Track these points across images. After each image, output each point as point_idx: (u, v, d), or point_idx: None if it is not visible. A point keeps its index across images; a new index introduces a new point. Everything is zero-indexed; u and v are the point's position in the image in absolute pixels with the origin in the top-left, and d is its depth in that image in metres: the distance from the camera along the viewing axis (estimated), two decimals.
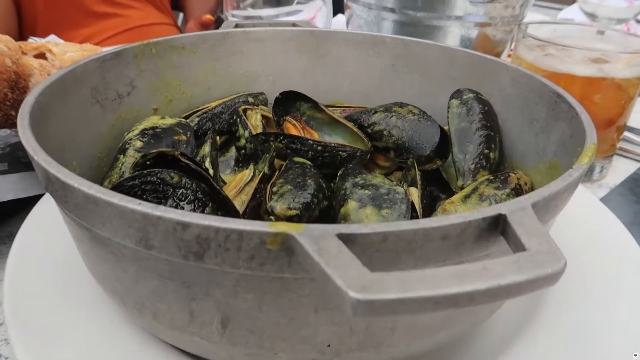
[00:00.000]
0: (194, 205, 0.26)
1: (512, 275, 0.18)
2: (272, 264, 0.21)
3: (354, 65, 0.53)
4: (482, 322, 0.31)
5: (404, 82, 0.51)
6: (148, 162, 0.29)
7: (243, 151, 0.44)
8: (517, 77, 0.42)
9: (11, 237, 0.40)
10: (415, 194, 0.38)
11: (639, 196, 0.57)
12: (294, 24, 0.54)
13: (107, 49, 0.42)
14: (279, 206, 0.30)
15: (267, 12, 0.68)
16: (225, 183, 0.43)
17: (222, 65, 0.51)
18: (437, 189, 0.43)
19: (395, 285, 0.17)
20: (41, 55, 0.54)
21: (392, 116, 0.42)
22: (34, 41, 0.61)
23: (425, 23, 0.58)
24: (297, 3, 0.76)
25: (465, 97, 0.43)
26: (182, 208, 0.26)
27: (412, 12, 0.58)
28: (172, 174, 0.26)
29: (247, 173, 0.38)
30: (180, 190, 0.26)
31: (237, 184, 0.38)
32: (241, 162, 0.46)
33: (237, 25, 0.53)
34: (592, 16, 0.97)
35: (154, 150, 0.29)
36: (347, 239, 0.20)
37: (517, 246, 0.20)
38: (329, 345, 0.25)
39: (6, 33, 1.09)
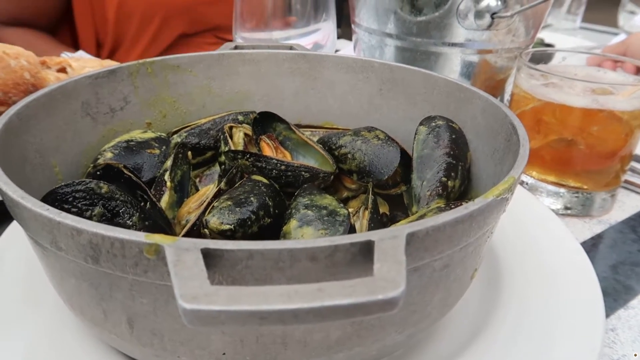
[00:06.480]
0: (121, 215, 0.29)
1: (341, 297, 0.19)
2: (153, 271, 0.23)
3: (344, 88, 0.54)
4: (397, 345, 0.32)
5: (390, 106, 0.52)
6: (98, 172, 0.32)
7: (223, 166, 0.46)
8: (486, 106, 0.42)
9: None
10: (366, 217, 0.39)
11: None
12: (290, 47, 0.57)
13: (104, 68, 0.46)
14: (212, 220, 0.32)
15: (279, 34, 0.71)
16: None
17: (218, 84, 0.54)
18: (402, 214, 0.43)
19: (223, 298, 0.19)
20: (63, 70, 0.60)
21: (358, 140, 0.43)
22: (65, 56, 0.67)
23: (424, 49, 0.59)
24: (317, 22, 0.78)
25: (434, 124, 0.43)
26: (110, 217, 0.29)
27: (411, 39, 0.59)
28: (102, 185, 0.28)
29: (211, 187, 0.41)
30: (109, 201, 0.29)
31: (200, 197, 0.40)
32: (222, 177, 0.49)
33: (236, 47, 0.56)
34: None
35: (102, 162, 0.32)
36: (213, 254, 0.22)
37: (368, 272, 0.21)
38: (224, 354, 0.26)
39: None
